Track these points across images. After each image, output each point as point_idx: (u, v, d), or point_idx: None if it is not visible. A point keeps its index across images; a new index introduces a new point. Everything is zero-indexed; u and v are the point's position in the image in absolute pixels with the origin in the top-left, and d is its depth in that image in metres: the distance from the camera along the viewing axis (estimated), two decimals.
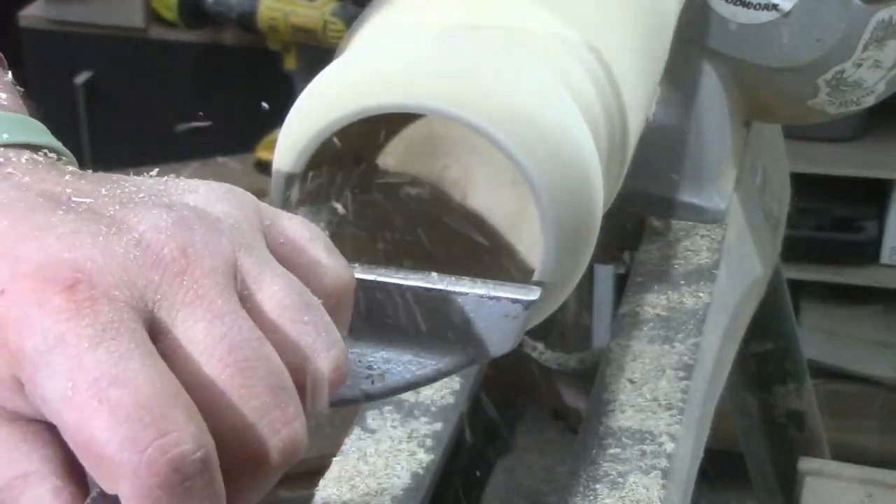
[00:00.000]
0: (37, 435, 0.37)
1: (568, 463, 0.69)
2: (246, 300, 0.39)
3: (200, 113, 2.14)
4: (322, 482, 0.71)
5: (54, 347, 0.35)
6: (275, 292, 0.39)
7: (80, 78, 2.38)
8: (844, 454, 1.25)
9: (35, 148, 0.42)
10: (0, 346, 0.36)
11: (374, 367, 0.51)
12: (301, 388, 0.39)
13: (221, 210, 0.41)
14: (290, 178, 0.55)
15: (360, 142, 0.58)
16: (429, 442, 0.75)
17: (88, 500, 0.37)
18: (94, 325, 0.35)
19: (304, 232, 0.43)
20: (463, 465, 1.10)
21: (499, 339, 0.50)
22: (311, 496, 0.71)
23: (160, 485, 0.34)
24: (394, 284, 0.50)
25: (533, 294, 0.50)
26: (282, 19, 2.09)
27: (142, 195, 0.40)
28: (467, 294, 0.50)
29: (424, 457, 0.74)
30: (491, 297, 0.50)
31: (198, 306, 0.37)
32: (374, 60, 0.55)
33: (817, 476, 1.03)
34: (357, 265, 0.51)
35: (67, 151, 0.44)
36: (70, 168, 0.42)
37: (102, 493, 0.36)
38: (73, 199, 0.39)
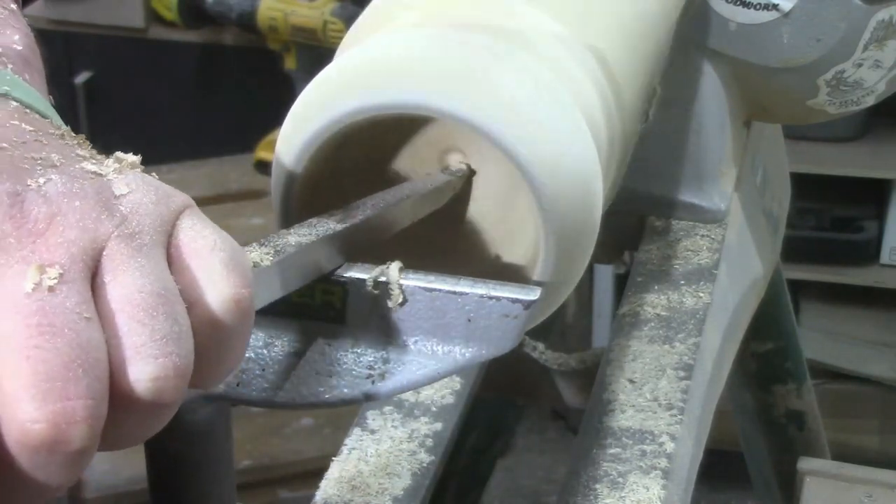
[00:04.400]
0: None
1: (568, 463, 0.69)
2: (98, 287, 0.38)
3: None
4: (322, 482, 0.71)
5: None
6: (126, 284, 0.38)
7: (80, 78, 2.38)
8: (844, 454, 1.25)
9: None
10: None
11: (374, 367, 0.51)
12: (118, 390, 0.37)
13: (134, 196, 0.40)
14: (290, 178, 0.55)
15: (365, 143, 0.58)
16: (429, 442, 0.75)
17: None
18: None
19: (208, 240, 0.41)
20: (463, 465, 1.10)
21: (499, 339, 0.50)
22: (312, 496, 0.71)
23: None
24: (394, 284, 0.50)
25: (533, 294, 0.50)
26: (282, 19, 2.09)
27: (63, 158, 0.40)
28: (467, 294, 0.50)
29: (424, 457, 0.74)
30: (491, 297, 0.50)
31: (33, 268, 0.37)
32: (373, 60, 0.55)
33: (817, 476, 1.03)
34: (357, 264, 0.52)
35: (43, 108, 0.45)
36: (30, 116, 0.42)
37: None
38: None
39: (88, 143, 0.43)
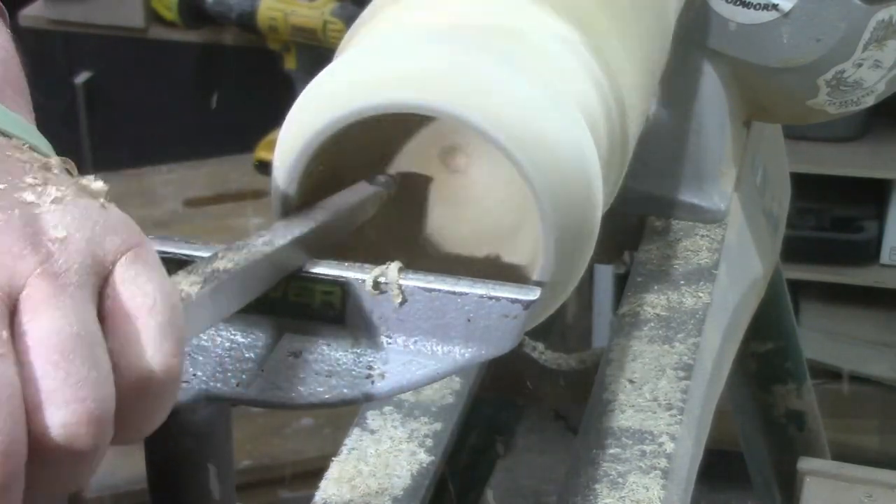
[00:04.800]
0: None
1: (568, 463, 0.69)
2: (16, 326, 0.37)
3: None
4: (322, 482, 0.71)
5: None
6: (43, 326, 0.37)
7: (80, 78, 2.38)
8: (844, 454, 1.25)
9: None
10: None
11: (374, 367, 0.51)
12: (34, 435, 0.36)
13: (74, 233, 0.39)
14: (290, 178, 0.55)
15: (365, 143, 0.58)
16: (429, 442, 0.75)
17: None
18: None
19: (147, 298, 0.39)
20: (463, 465, 1.10)
21: (499, 339, 0.50)
22: (312, 496, 0.70)
23: None
24: (393, 284, 0.50)
25: (533, 294, 0.50)
26: (282, 19, 2.09)
27: (4, 185, 0.39)
28: (467, 294, 0.50)
29: (424, 457, 0.74)
30: (490, 297, 0.50)
31: None
32: (373, 60, 0.55)
33: (817, 476, 1.03)
34: (357, 264, 0.52)
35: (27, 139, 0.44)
36: None
37: None
38: None
39: (59, 161, 0.42)
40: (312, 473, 0.74)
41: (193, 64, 2.36)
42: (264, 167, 2.05)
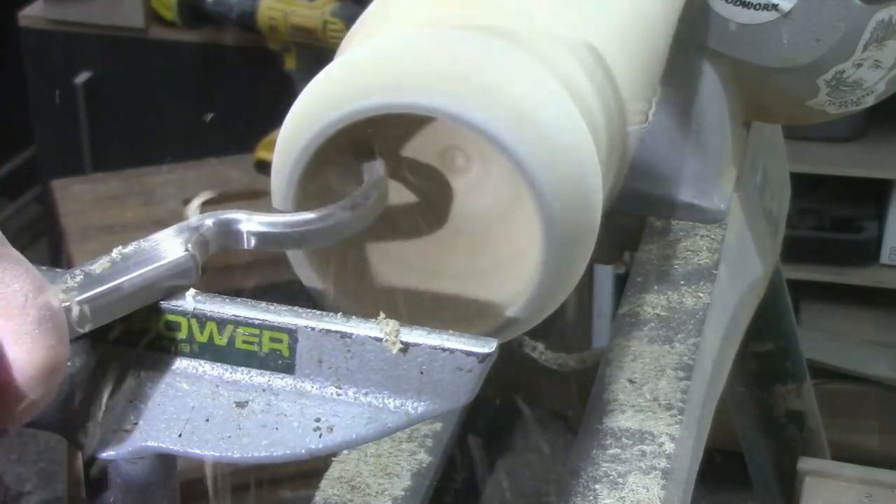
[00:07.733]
0: None
1: (568, 463, 0.69)
2: None
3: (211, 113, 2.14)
4: (322, 482, 0.71)
5: None
6: None
7: (80, 78, 2.38)
8: (844, 454, 1.25)
9: None
10: None
11: (322, 419, 0.49)
12: None
13: None
14: (290, 178, 0.55)
15: (368, 141, 0.58)
16: (429, 442, 0.75)
17: None
18: None
19: (18, 296, 0.38)
20: (463, 466, 1.10)
21: (452, 392, 0.48)
22: (312, 496, 0.71)
23: None
24: (344, 333, 0.48)
25: (488, 347, 0.47)
26: (282, 19, 2.09)
27: None
28: (419, 345, 0.48)
29: (424, 457, 0.74)
30: (444, 349, 0.47)
31: None
32: (374, 60, 0.55)
33: (817, 476, 1.03)
34: (308, 310, 0.50)
35: None
36: None
37: None
38: None
39: None
40: (312, 473, 0.74)
41: (193, 64, 2.36)
42: (264, 167, 2.05)
